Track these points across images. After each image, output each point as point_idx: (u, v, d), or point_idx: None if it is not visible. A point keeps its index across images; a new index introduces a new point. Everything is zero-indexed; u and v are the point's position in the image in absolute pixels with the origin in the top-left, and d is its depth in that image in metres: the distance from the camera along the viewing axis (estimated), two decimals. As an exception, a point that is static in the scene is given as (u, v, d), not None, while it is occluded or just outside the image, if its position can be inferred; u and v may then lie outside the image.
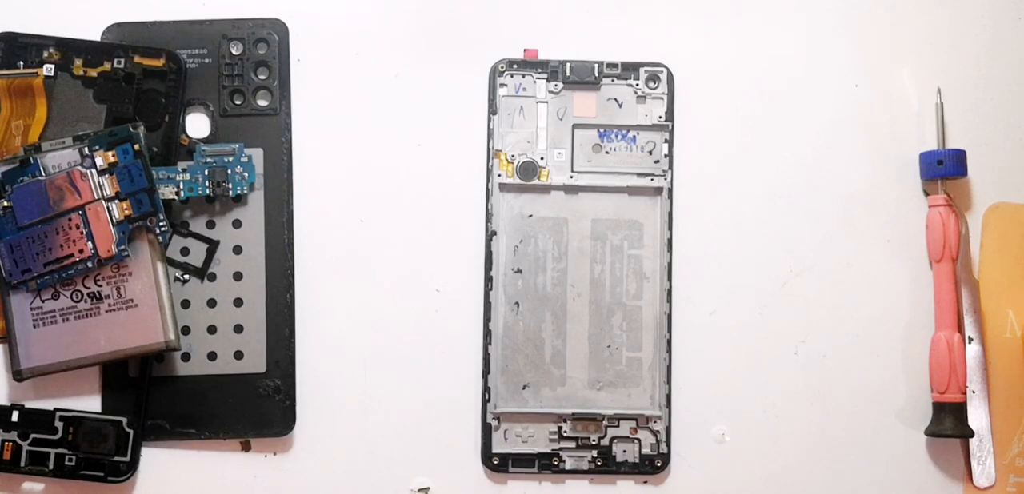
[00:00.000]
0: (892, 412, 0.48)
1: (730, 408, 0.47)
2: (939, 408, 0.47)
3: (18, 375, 0.45)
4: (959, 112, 0.49)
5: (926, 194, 0.49)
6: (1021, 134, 0.49)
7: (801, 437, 0.48)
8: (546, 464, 0.46)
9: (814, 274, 0.48)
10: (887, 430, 0.48)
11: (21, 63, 0.45)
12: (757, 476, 0.47)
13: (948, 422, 0.47)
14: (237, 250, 0.47)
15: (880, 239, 0.48)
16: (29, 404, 0.46)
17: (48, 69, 0.46)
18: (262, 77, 0.47)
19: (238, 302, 0.47)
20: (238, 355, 0.47)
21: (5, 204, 0.44)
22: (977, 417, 0.48)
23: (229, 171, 0.46)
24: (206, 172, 0.46)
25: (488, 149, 0.47)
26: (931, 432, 0.47)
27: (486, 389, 0.46)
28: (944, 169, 0.48)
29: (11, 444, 0.45)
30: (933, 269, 0.48)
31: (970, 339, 0.48)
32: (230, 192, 0.46)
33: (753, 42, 0.49)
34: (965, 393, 0.47)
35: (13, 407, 0.45)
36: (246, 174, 0.46)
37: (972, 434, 0.47)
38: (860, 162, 0.48)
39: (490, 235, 0.47)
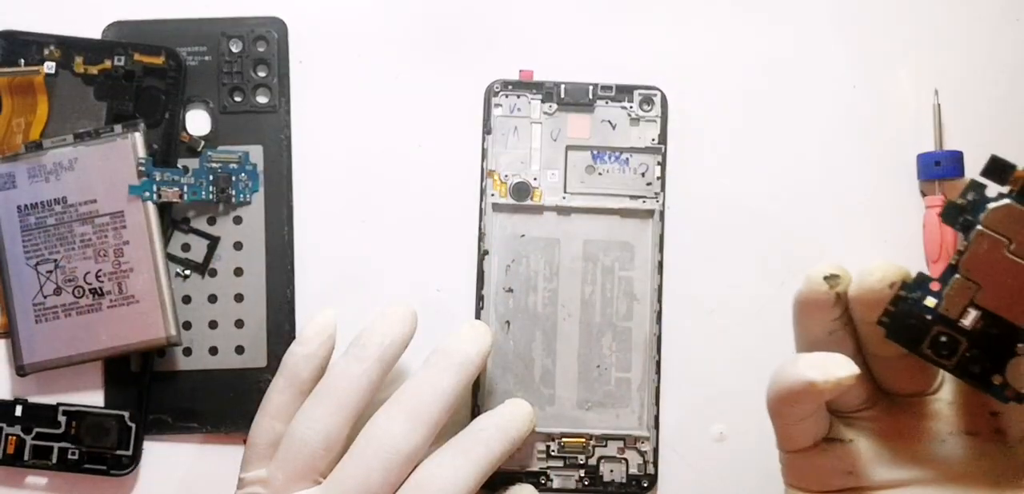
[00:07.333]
0: (886, 411, 0.48)
1: (729, 407, 0.47)
2: (933, 407, 0.48)
3: (21, 370, 0.45)
4: (956, 113, 0.49)
5: (923, 195, 0.49)
6: (1019, 135, 0.49)
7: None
8: (533, 482, 0.46)
9: (812, 274, 0.48)
10: (881, 429, 0.48)
11: (22, 61, 0.46)
12: (754, 476, 0.47)
13: (941, 421, 0.47)
14: (238, 246, 0.47)
15: (877, 240, 0.48)
16: (32, 399, 0.46)
17: (49, 67, 0.46)
18: (262, 75, 0.47)
19: (239, 298, 0.47)
20: (239, 350, 0.47)
21: (7, 201, 0.44)
22: (970, 417, 0.48)
23: (233, 178, 0.46)
24: (210, 177, 0.46)
25: (482, 169, 0.47)
26: (924, 431, 0.48)
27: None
28: (941, 170, 0.48)
29: (14, 438, 0.46)
30: (930, 270, 0.48)
31: (965, 339, 0.48)
32: (233, 199, 0.46)
33: (749, 46, 0.49)
34: (959, 393, 0.47)
35: (16, 402, 0.46)
36: (250, 182, 0.46)
37: (965, 434, 0.47)
38: (857, 163, 0.48)
39: (482, 254, 0.47)
